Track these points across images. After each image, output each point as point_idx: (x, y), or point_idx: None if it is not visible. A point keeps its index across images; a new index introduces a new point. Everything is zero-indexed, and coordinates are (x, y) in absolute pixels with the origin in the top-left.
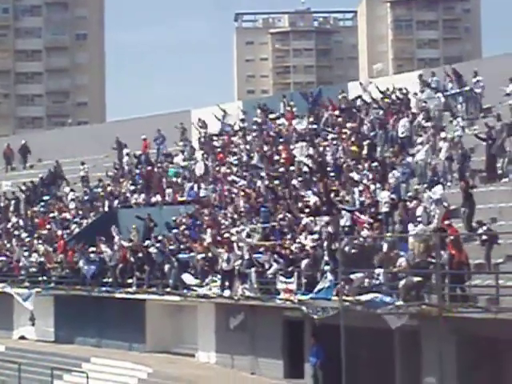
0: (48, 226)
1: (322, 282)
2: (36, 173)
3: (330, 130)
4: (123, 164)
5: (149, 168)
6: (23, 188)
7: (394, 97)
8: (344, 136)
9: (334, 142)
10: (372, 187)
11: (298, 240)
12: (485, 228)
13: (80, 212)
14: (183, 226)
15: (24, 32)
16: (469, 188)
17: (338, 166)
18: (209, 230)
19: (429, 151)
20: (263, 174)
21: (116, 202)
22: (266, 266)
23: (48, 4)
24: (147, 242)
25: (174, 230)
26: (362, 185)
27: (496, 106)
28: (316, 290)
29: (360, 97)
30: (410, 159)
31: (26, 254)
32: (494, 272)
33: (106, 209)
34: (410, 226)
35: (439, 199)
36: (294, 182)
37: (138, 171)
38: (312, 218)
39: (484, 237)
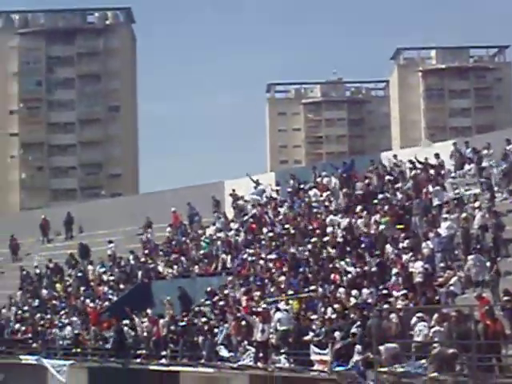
0: (81, 299)
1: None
2: (73, 244)
3: (362, 200)
4: (152, 238)
5: (182, 239)
6: (56, 261)
7: (427, 166)
8: (377, 207)
9: (367, 213)
10: (405, 257)
11: (331, 311)
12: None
13: (113, 284)
14: (217, 297)
15: (57, 105)
16: (495, 258)
17: (370, 237)
18: (243, 301)
19: (453, 226)
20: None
21: (150, 273)
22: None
23: (81, 76)
24: (182, 317)
25: (208, 302)
26: (395, 256)
27: None
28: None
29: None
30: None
31: (60, 325)
32: None
33: (140, 281)
34: None
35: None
36: (328, 252)
37: (173, 243)
38: (346, 290)
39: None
